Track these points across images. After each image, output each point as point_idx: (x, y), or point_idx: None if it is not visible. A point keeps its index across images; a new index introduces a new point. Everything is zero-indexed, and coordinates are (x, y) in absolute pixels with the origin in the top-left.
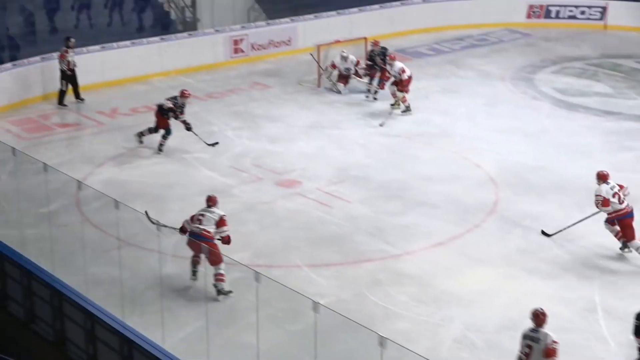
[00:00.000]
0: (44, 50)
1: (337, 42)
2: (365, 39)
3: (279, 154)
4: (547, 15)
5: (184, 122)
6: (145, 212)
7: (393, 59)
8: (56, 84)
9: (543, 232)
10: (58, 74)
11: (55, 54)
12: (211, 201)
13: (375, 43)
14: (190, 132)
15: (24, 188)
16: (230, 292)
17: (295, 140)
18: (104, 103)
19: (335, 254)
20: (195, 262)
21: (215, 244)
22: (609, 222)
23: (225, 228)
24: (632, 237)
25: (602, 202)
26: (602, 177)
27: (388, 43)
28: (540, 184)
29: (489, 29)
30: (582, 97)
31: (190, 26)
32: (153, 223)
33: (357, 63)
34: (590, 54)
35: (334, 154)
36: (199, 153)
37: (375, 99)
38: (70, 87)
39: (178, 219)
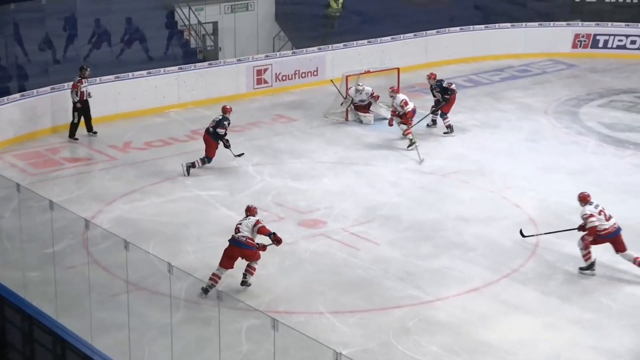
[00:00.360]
0: (55, 80)
1: (368, 72)
2: (397, 69)
3: (302, 191)
4: (594, 45)
5: (226, 140)
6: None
7: (395, 91)
8: (67, 116)
9: (521, 232)
10: (70, 105)
11: (67, 84)
12: (250, 211)
13: (431, 76)
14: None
15: (28, 227)
16: (249, 284)
17: (321, 177)
18: (117, 136)
19: (361, 300)
20: (214, 282)
21: (255, 251)
22: (597, 242)
23: (259, 225)
24: (624, 250)
25: (590, 216)
26: (583, 199)
27: (422, 74)
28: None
29: (532, 59)
30: (631, 132)
31: (211, 55)
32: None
33: (372, 94)
34: None
35: (362, 192)
36: (216, 190)
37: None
38: (82, 119)
39: (193, 262)
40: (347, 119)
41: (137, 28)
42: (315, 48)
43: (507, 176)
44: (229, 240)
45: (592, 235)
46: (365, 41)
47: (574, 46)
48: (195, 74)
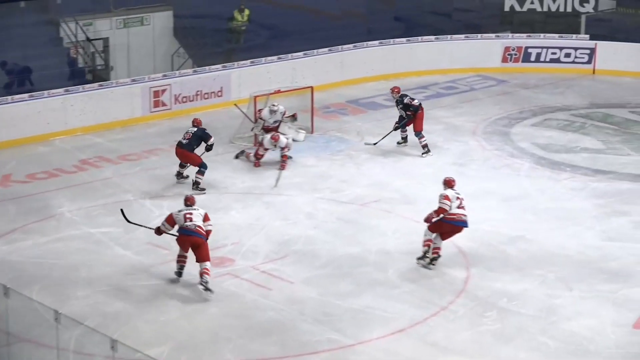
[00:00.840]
0: None
1: (278, 92)
2: (311, 88)
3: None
4: (526, 58)
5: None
6: (121, 210)
7: (397, 91)
8: None
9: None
10: None
11: None
12: (190, 201)
13: (394, 90)
14: None
15: None
16: (211, 291)
17: (227, 209)
18: None
19: (274, 345)
20: (181, 262)
21: (207, 242)
22: (442, 227)
23: (209, 222)
24: (433, 229)
25: (445, 197)
26: (448, 183)
27: (338, 93)
28: (518, 257)
29: (458, 75)
30: (567, 153)
31: (101, 75)
32: (129, 222)
33: (284, 113)
34: (577, 103)
35: (274, 225)
36: (109, 227)
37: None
38: None
39: (84, 309)
40: (255, 144)
41: (17, 45)
42: (219, 66)
43: (434, 204)
44: (178, 231)
45: (438, 214)
46: (274, 57)
47: (504, 60)
48: (84, 97)
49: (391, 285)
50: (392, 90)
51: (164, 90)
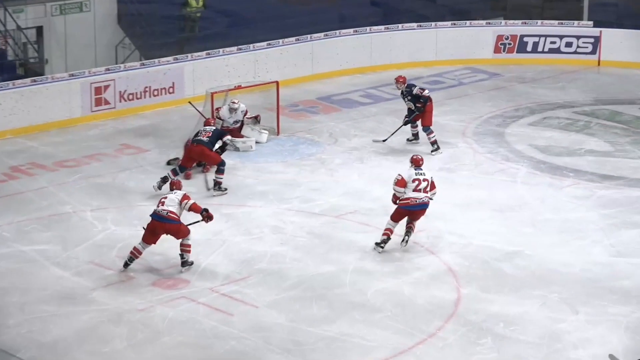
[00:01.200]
0: None
1: (239, 88)
2: (276, 83)
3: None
4: (522, 48)
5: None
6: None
7: (402, 81)
8: None
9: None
10: None
11: None
12: (175, 185)
13: (399, 80)
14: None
15: None
16: (192, 263)
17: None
18: None
19: None
20: (134, 255)
21: (179, 225)
22: (396, 214)
23: (187, 200)
24: (414, 228)
25: (398, 182)
26: (414, 162)
27: (307, 89)
28: (516, 275)
29: (445, 67)
30: (570, 156)
31: (34, 69)
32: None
33: (246, 113)
34: (580, 98)
35: (235, 241)
36: (45, 244)
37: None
38: None
39: (16, 338)
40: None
41: None
42: (170, 58)
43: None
44: (151, 215)
45: (394, 202)
46: (234, 48)
47: (497, 51)
48: (14, 94)
49: (371, 309)
50: (397, 80)
51: (107, 87)
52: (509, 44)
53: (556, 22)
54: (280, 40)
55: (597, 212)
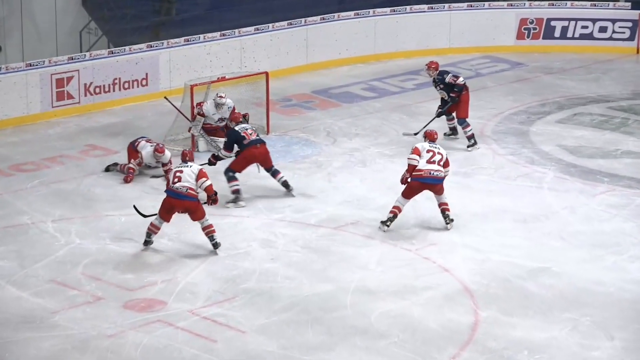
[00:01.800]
0: None
1: (222, 79)
2: (266, 74)
3: (129, 257)
4: (549, 34)
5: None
6: (134, 206)
7: (435, 67)
8: None
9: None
10: None
11: None
12: (188, 156)
13: (431, 66)
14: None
15: None
16: (219, 244)
17: (157, 235)
18: None
19: None
20: (152, 231)
21: (198, 202)
22: (408, 190)
23: (204, 179)
24: (447, 206)
25: (413, 151)
26: (428, 136)
27: (302, 81)
28: (542, 296)
29: (460, 56)
30: (604, 159)
31: None
32: (144, 216)
33: (233, 110)
34: (617, 92)
35: (219, 257)
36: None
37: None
38: None
39: None
40: (193, 149)
41: None
42: (143, 45)
43: (430, 227)
44: (165, 191)
45: (410, 172)
46: (216, 34)
47: (520, 36)
48: None
49: (375, 335)
50: (429, 66)
51: (69, 79)
52: (534, 28)
53: (588, 3)
54: (270, 25)
55: (635, 223)
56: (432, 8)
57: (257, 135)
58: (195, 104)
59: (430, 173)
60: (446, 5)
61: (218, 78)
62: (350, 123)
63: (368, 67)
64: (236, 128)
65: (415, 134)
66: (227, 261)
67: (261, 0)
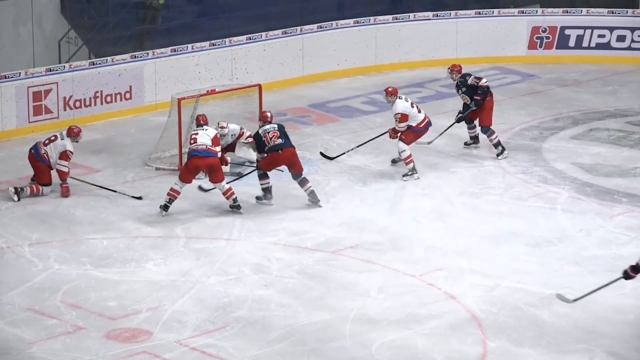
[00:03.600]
0: None
1: (212, 92)
2: (259, 87)
3: (112, 284)
4: (562, 44)
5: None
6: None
7: (393, 93)
8: None
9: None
10: None
11: None
12: (203, 120)
13: (454, 69)
14: None
15: None
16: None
17: (141, 260)
18: None
19: None
20: (173, 197)
21: (219, 158)
22: (409, 137)
23: (218, 148)
24: (408, 143)
25: (401, 119)
26: (393, 93)
27: (297, 94)
28: (556, 325)
29: (467, 67)
30: (623, 178)
31: None
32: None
33: (241, 134)
34: (636, 105)
35: (208, 283)
36: None
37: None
38: None
39: None
40: (180, 167)
41: None
42: (126, 56)
43: (435, 251)
44: (188, 153)
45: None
46: (205, 43)
47: (532, 46)
48: None
49: None
50: (452, 69)
51: (47, 92)
52: (547, 37)
53: (605, 10)
54: (263, 34)
55: None
56: (437, 16)
57: (280, 138)
58: (195, 116)
59: (426, 120)
60: (452, 12)
61: (207, 91)
62: (350, 139)
63: (369, 79)
64: (259, 131)
65: (429, 143)
66: (217, 288)
67: (253, 7)
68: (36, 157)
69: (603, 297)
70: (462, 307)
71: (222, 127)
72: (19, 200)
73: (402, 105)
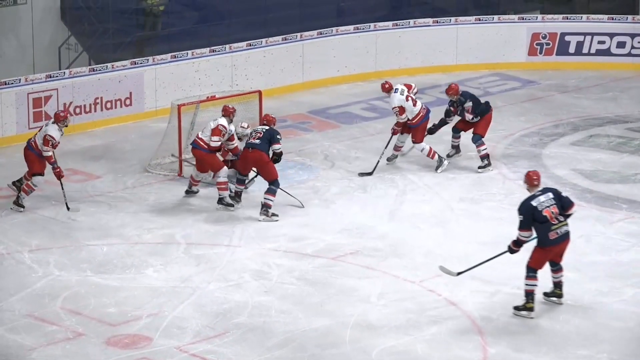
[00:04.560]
0: None
1: (212, 98)
2: (259, 93)
3: (112, 290)
4: (563, 50)
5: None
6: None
7: (388, 88)
8: None
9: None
10: None
11: None
12: (224, 111)
13: (451, 90)
14: None
15: None
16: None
17: (141, 266)
18: None
19: None
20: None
21: (207, 154)
22: (402, 132)
23: (216, 138)
24: (421, 140)
25: (399, 111)
26: (388, 90)
27: (297, 100)
28: (556, 331)
29: (467, 73)
30: (623, 184)
31: None
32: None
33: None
34: (635, 111)
35: (208, 289)
36: None
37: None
38: None
39: None
40: (180, 174)
41: None
42: (126, 62)
43: (435, 257)
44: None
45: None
46: (206, 50)
47: (532, 52)
48: None
49: None
50: (447, 92)
51: (48, 98)
52: (547, 44)
53: (605, 16)
54: (264, 40)
55: None
56: (437, 22)
57: (259, 139)
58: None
59: (422, 110)
60: (453, 19)
61: (207, 97)
62: (350, 145)
63: (369, 86)
64: (254, 129)
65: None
66: (217, 294)
67: (253, 13)
68: (28, 148)
69: (603, 303)
70: (463, 313)
71: (242, 127)
72: (22, 208)
73: (397, 99)
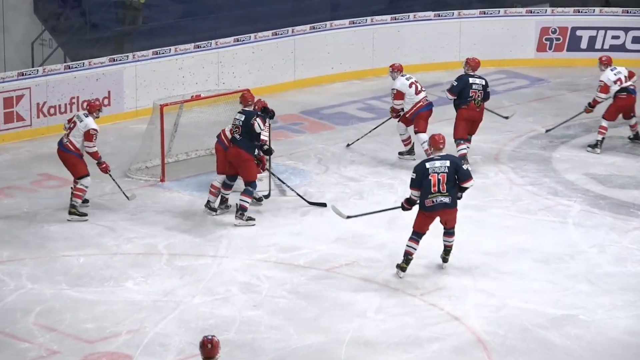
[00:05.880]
0: None
1: (197, 98)
2: (248, 91)
3: (89, 304)
4: (573, 45)
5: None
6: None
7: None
8: None
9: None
10: None
11: None
12: (242, 99)
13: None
14: None
15: None
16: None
17: (120, 278)
18: None
19: None
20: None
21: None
22: (405, 120)
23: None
24: (424, 130)
25: (395, 95)
26: (398, 70)
27: (289, 100)
28: (567, 347)
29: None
30: (638, 189)
31: None
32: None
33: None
34: None
35: (193, 303)
36: None
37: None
38: None
39: None
40: (163, 179)
41: None
42: (105, 59)
43: (437, 269)
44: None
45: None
46: (190, 46)
47: (541, 48)
48: None
49: None
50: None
51: (19, 98)
52: (557, 39)
53: (620, 9)
54: (252, 35)
55: None
56: (439, 16)
57: (238, 134)
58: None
59: (424, 101)
60: (455, 12)
61: (192, 97)
62: (345, 148)
63: (365, 84)
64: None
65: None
66: (203, 308)
67: (241, 6)
68: (62, 150)
69: (617, 318)
70: (466, 328)
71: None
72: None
73: (400, 82)
